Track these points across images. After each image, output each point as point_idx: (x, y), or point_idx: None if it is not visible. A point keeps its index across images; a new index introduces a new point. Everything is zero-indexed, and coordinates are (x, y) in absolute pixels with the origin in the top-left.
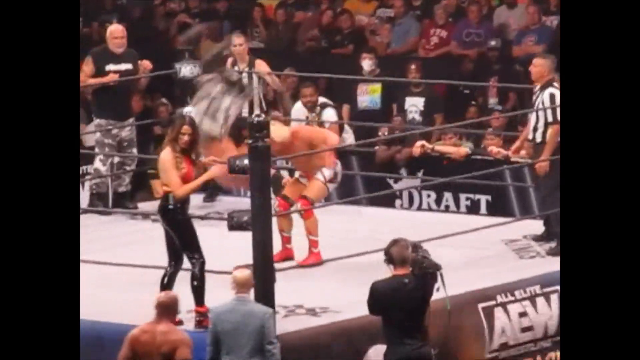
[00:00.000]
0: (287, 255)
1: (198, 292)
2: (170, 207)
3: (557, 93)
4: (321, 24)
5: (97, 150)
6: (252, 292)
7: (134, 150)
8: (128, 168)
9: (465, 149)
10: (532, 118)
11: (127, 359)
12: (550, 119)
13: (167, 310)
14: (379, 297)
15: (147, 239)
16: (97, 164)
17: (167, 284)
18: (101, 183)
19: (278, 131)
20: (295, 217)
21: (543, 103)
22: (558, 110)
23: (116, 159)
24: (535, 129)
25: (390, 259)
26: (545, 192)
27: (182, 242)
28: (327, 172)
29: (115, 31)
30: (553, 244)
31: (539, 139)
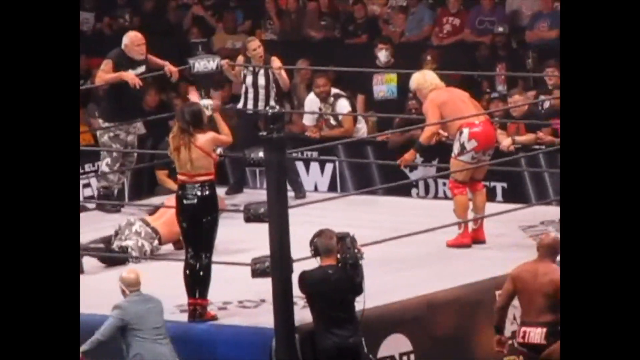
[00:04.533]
0: (475, 238)
1: (203, 285)
2: (211, 196)
3: None
4: (333, 12)
5: (103, 153)
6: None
7: (135, 155)
8: (126, 169)
9: None
10: None
11: (509, 294)
12: None
13: (550, 251)
14: (305, 286)
15: None
16: (104, 167)
17: (190, 276)
18: (108, 186)
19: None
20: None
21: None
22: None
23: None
24: None
25: (315, 250)
26: None
27: (205, 235)
28: (455, 146)
29: (138, 39)
30: None
31: None
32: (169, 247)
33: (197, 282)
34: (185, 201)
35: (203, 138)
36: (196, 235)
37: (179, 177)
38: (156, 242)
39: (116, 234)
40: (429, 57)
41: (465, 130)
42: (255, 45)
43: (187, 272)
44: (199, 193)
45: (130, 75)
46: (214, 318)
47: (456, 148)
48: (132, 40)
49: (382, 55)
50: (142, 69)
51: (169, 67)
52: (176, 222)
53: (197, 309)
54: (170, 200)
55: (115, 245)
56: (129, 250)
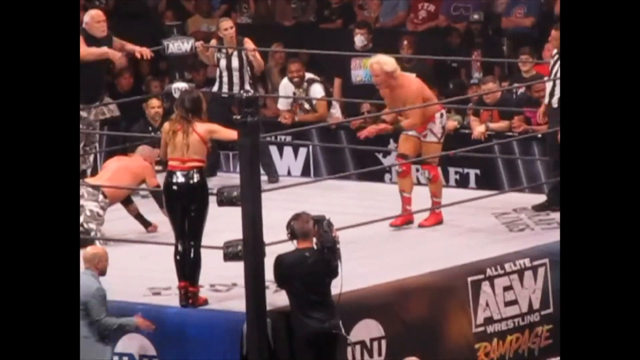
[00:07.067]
0: (408, 220)
1: (194, 272)
2: (201, 183)
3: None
4: None
5: None
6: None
7: (97, 135)
8: (88, 149)
9: (453, 122)
10: (549, 84)
11: None
12: None
13: None
14: (281, 270)
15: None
16: None
17: (180, 261)
18: None
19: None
20: None
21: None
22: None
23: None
24: (552, 94)
25: (292, 233)
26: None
27: (196, 221)
28: (437, 131)
29: (98, 16)
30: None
31: (555, 104)
32: (139, 229)
33: (187, 268)
34: (174, 187)
35: (203, 126)
36: (183, 221)
37: (170, 162)
38: (101, 196)
39: None
40: (405, 42)
41: (444, 113)
42: (227, 25)
43: (177, 257)
44: (188, 180)
45: (118, 55)
46: (205, 302)
47: (439, 132)
48: (93, 17)
49: (359, 39)
50: (104, 49)
51: (139, 50)
52: (118, 180)
53: (190, 296)
54: (114, 160)
55: None
56: (93, 233)
